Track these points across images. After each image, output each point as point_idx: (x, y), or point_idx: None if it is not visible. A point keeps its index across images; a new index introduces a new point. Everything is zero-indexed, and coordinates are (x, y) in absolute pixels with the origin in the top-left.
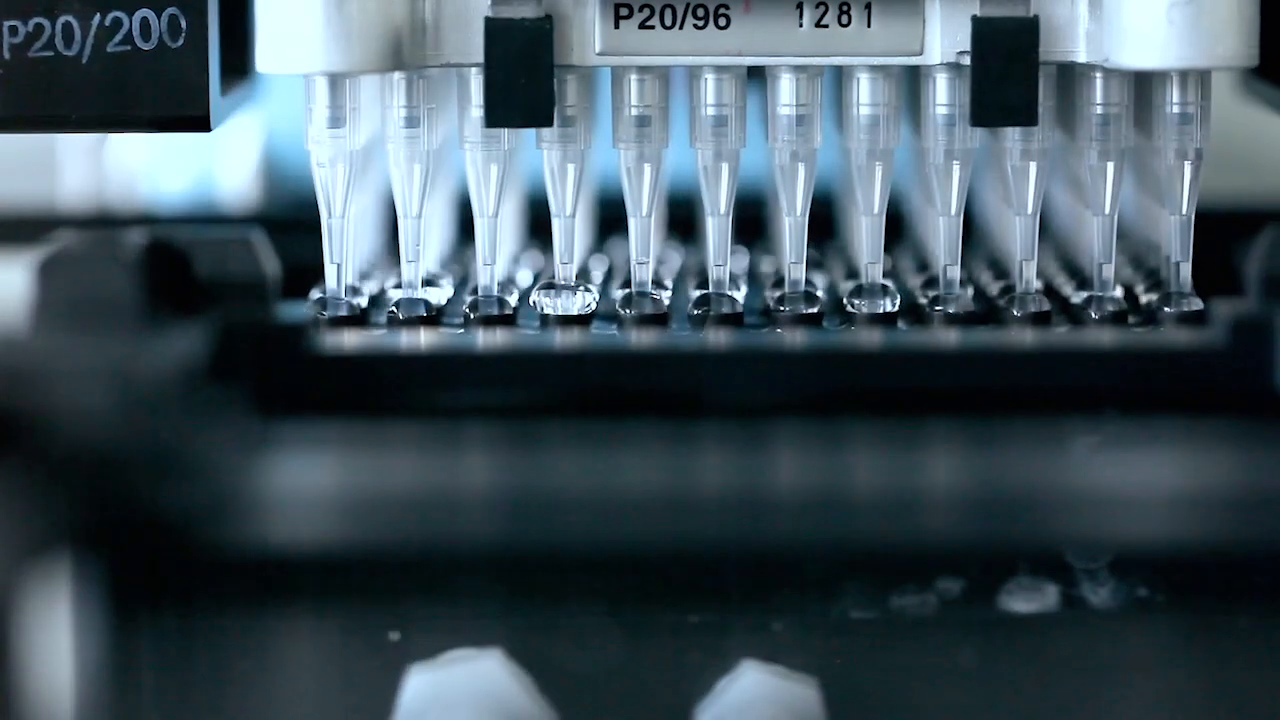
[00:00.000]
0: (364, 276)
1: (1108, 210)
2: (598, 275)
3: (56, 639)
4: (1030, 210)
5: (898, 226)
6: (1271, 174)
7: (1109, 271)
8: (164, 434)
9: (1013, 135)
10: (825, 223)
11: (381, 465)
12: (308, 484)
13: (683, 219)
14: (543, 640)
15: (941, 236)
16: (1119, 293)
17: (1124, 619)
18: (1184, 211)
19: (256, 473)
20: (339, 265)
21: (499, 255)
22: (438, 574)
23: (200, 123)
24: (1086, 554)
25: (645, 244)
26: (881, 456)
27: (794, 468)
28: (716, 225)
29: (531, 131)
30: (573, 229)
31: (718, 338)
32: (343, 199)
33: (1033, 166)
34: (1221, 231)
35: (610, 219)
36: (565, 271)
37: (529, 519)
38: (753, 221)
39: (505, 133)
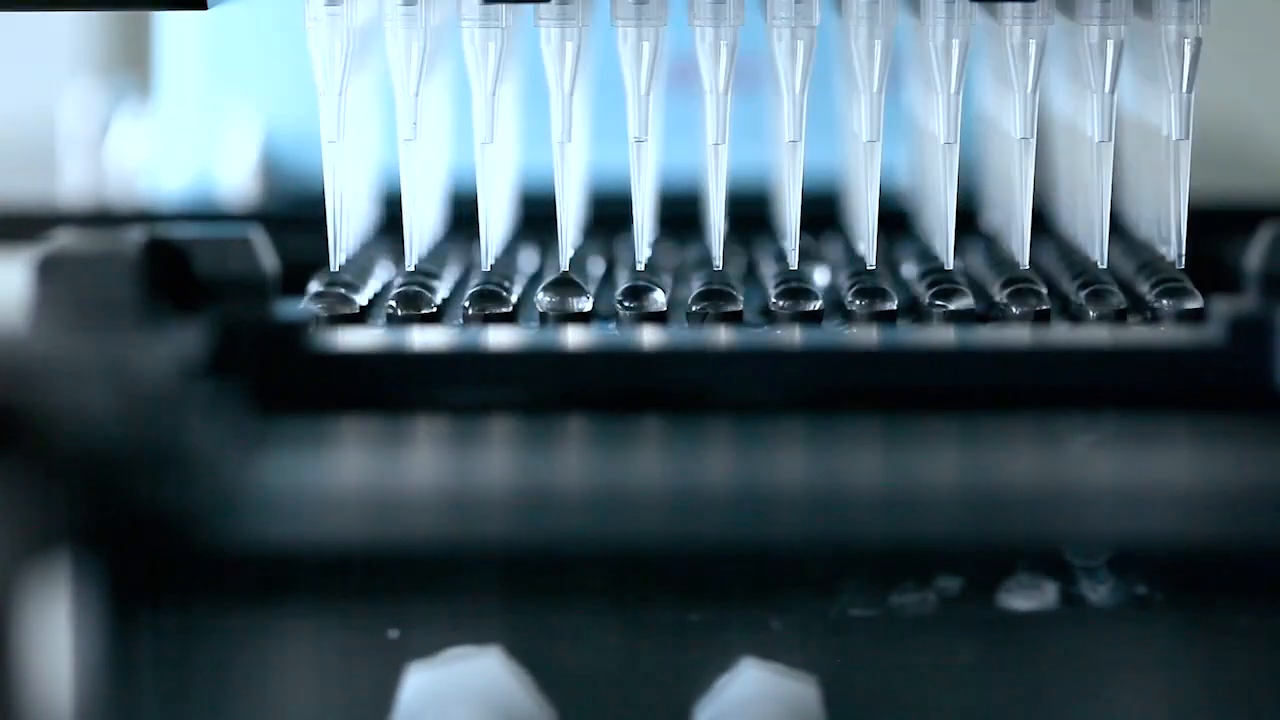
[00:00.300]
0: (361, 272)
1: (1108, 88)
2: (596, 274)
3: (56, 636)
4: (1030, 89)
5: (900, 223)
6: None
7: (1108, 151)
8: (163, 432)
9: (1012, 13)
10: (825, 221)
11: (380, 462)
12: (307, 481)
13: (683, 218)
14: (542, 638)
15: (941, 115)
16: (1117, 286)
17: (1123, 616)
18: (1184, 90)
19: (256, 470)
20: (332, 145)
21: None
22: (437, 572)
23: (196, 2)
24: (1085, 552)
25: (644, 122)
26: (880, 454)
27: (793, 465)
28: (716, 103)
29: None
30: (571, 108)
31: (718, 336)
32: (340, 78)
33: (1032, 44)
34: (1220, 229)
35: (609, 218)
36: (565, 151)
37: (529, 516)
38: (754, 220)
39: (504, 10)
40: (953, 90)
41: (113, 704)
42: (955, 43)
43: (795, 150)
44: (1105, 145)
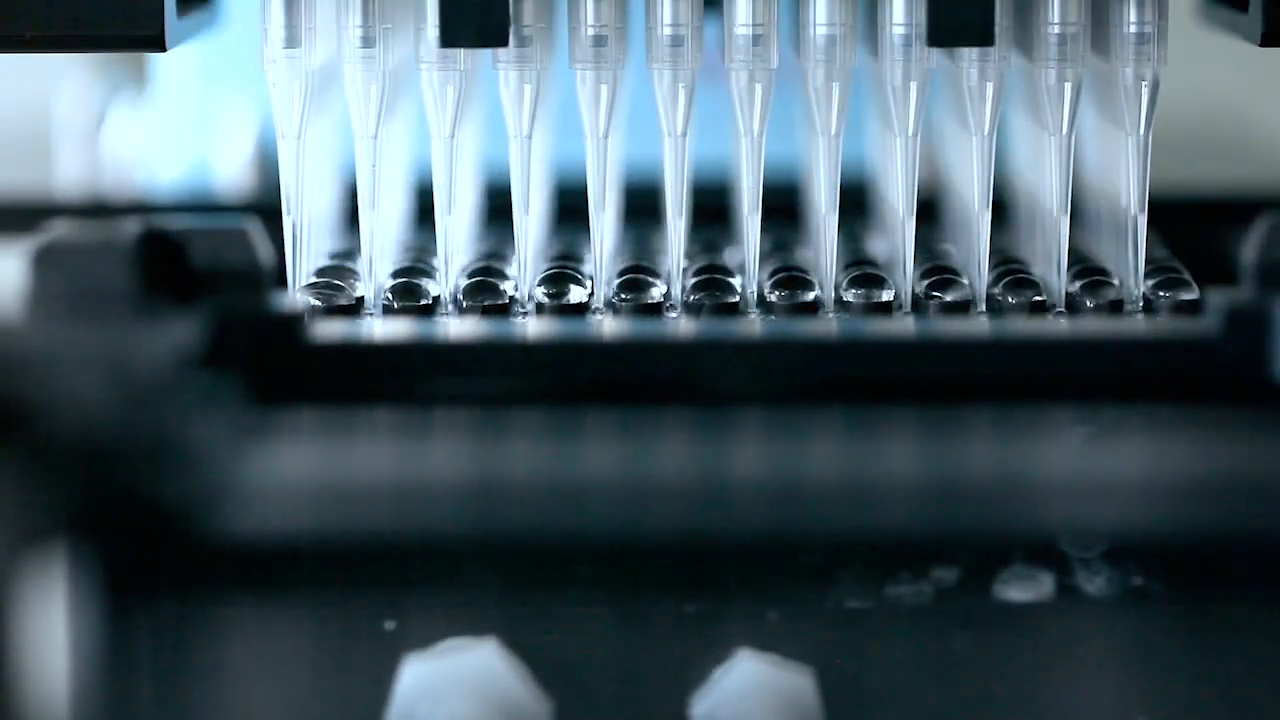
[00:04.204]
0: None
1: (1065, 130)
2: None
3: (52, 626)
4: (987, 130)
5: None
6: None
7: (1064, 196)
8: (159, 423)
9: (969, 55)
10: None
11: (377, 454)
12: (303, 472)
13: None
14: (539, 630)
15: (899, 160)
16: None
17: (1119, 607)
18: (1142, 132)
19: (252, 461)
20: (291, 186)
21: (459, 219)
22: (433, 563)
23: (155, 42)
24: (1081, 542)
25: (602, 165)
26: (876, 446)
27: (790, 456)
28: (674, 146)
29: (488, 52)
30: (529, 151)
31: (712, 327)
32: (298, 120)
33: (989, 87)
34: (1216, 221)
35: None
36: (520, 198)
37: (525, 508)
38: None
39: (461, 53)
40: (910, 134)
41: (109, 694)
42: (913, 85)
43: (755, 192)
44: (1064, 186)
